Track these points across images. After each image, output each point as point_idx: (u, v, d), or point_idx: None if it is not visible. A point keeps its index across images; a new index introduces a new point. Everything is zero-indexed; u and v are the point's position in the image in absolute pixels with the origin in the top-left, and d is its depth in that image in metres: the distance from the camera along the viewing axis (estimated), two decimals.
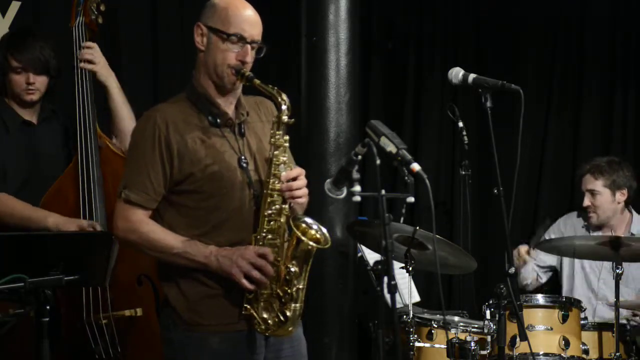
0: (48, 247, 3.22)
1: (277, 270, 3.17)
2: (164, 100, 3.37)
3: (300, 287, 3.19)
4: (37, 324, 2.99)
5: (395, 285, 2.92)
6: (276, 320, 3.19)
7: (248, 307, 3.17)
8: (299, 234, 3.15)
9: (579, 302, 4.42)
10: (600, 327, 4.46)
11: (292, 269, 3.16)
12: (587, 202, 5.01)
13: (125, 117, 4.17)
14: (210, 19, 3.24)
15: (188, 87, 3.31)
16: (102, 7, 4.20)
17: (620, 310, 4.26)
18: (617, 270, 4.20)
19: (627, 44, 6.02)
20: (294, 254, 3.18)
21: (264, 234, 3.18)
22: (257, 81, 3.21)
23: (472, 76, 3.65)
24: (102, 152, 4.08)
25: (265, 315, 3.18)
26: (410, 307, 4.35)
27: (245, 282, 3.13)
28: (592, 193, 5.00)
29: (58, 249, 3.24)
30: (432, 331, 4.46)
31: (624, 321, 4.49)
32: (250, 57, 3.21)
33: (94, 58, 4.13)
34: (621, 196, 5.00)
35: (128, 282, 4.00)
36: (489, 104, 3.58)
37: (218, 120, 3.23)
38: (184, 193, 3.19)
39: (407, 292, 4.53)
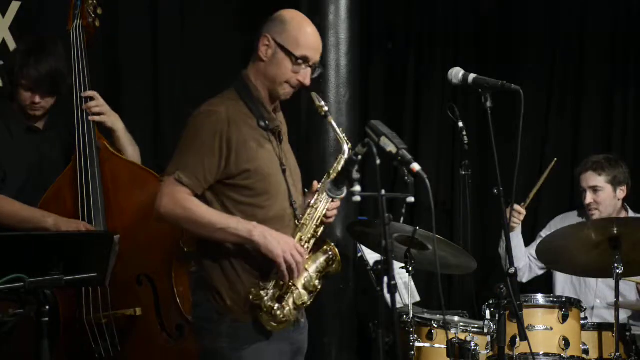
0: (48, 247, 3.22)
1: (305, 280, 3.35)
2: (214, 96, 3.48)
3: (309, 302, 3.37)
4: (37, 324, 2.99)
5: (395, 285, 2.93)
6: (282, 319, 3.29)
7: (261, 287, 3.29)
8: (339, 257, 3.39)
9: (579, 302, 4.41)
10: (600, 327, 4.46)
11: (319, 285, 3.37)
12: (589, 199, 4.99)
13: (131, 152, 4.21)
14: (280, 35, 3.39)
15: (240, 88, 3.43)
16: (99, 11, 4.20)
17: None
18: (618, 271, 4.19)
19: (627, 44, 6.02)
20: (323, 272, 3.39)
21: (307, 238, 3.36)
22: (330, 119, 3.41)
23: (472, 76, 3.65)
24: (100, 152, 4.08)
25: (270, 304, 3.27)
26: (410, 307, 4.35)
27: (284, 267, 3.24)
28: (595, 190, 4.98)
29: (58, 249, 3.24)
30: (432, 331, 4.46)
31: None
32: (309, 80, 3.39)
33: (101, 109, 4.13)
34: (621, 192, 5.01)
35: (128, 281, 4.00)
36: (489, 104, 3.58)
37: (268, 125, 3.39)
38: (234, 187, 3.31)
39: (407, 292, 4.53)
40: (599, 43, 6.06)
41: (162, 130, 5.56)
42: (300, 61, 3.36)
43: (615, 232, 4.25)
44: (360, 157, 3.08)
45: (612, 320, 4.28)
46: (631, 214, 5.09)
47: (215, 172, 3.28)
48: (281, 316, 3.29)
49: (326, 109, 3.41)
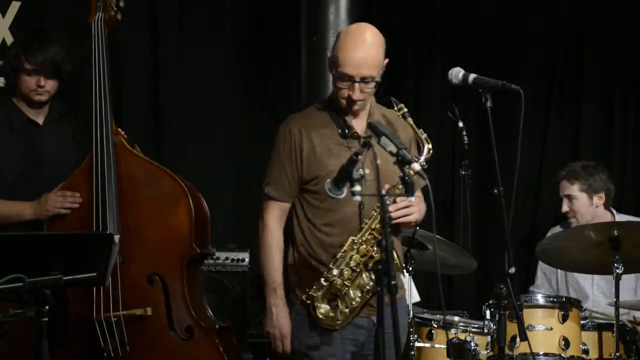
0: (48, 247, 3.22)
1: (355, 275, 3.49)
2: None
3: (369, 293, 3.49)
4: (36, 324, 2.99)
5: (396, 285, 2.93)
6: (331, 315, 3.50)
7: (316, 288, 3.50)
8: (396, 260, 3.43)
9: (579, 302, 4.41)
10: (600, 327, 4.46)
11: (371, 282, 3.46)
12: (565, 207, 5.07)
13: None
14: (333, 52, 3.57)
15: (329, 96, 3.68)
16: (121, 3, 4.18)
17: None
18: (618, 270, 4.19)
19: (627, 44, 6.02)
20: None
21: (362, 240, 3.50)
22: (410, 120, 3.56)
23: (472, 76, 3.64)
24: (116, 148, 4.08)
25: (325, 303, 3.50)
26: (410, 307, 4.35)
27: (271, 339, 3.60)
28: (570, 198, 5.05)
29: (58, 249, 3.24)
30: (432, 331, 4.45)
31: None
32: (357, 94, 3.50)
33: None
34: (599, 200, 5.03)
35: (139, 281, 4.00)
36: (489, 104, 3.57)
37: (346, 132, 3.58)
38: (309, 192, 3.59)
39: (407, 292, 4.52)
40: (599, 43, 6.06)
41: (162, 130, 5.57)
42: (340, 77, 3.50)
43: (616, 233, 4.26)
44: (360, 157, 3.09)
45: None
46: (618, 216, 5.09)
47: (298, 180, 3.60)
48: (332, 316, 3.50)
49: (405, 110, 3.55)
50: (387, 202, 3.43)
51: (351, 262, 3.48)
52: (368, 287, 3.48)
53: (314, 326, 3.55)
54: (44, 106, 4.21)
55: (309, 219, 3.60)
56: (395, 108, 3.57)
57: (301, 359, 3.60)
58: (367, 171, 3.46)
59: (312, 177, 3.56)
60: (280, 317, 3.59)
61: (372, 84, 3.52)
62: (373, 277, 3.37)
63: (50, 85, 4.15)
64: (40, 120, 4.22)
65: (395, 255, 3.39)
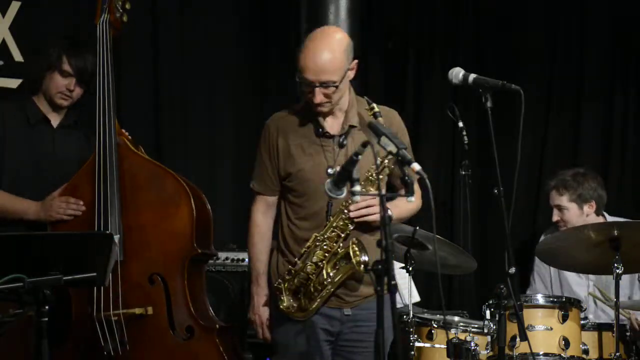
0: (48, 247, 3.22)
1: (319, 270, 3.58)
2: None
3: (329, 289, 3.59)
4: (36, 324, 2.99)
5: (395, 285, 2.93)
6: (294, 306, 3.62)
7: (281, 281, 3.63)
8: (353, 250, 3.51)
9: (579, 302, 4.41)
10: (600, 327, 4.46)
11: (331, 273, 3.56)
12: (555, 217, 5.04)
13: None
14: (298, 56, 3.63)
15: None
16: (127, 5, 4.19)
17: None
18: (618, 270, 4.19)
19: (627, 44, 6.02)
20: (339, 264, 3.55)
21: (324, 237, 3.59)
22: (380, 120, 3.53)
23: (472, 76, 3.64)
24: (119, 149, 4.08)
25: (289, 296, 3.62)
26: (410, 307, 4.35)
27: (250, 317, 3.77)
28: (560, 208, 5.02)
29: (58, 249, 3.24)
30: (432, 331, 4.45)
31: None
32: (318, 98, 3.57)
33: None
34: (589, 208, 5.00)
35: (140, 280, 4.02)
36: (489, 104, 3.57)
37: (320, 131, 3.67)
38: (285, 187, 3.73)
39: (407, 292, 4.53)
40: (599, 43, 6.06)
41: (162, 129, 5.57)
42: (301, 81, 3.57)
43: (616, 233, 4.26)
44: (360, 157, 3.09)
45: None
46: (610, 219, 5.07)
47: (278, 175, 3.72)
48: (294, 306, 3.61)
49: (376, 110, 3.56)
50: (350, 201, 3.52)
51: (314, 257, 3.57)
52: (326, 283, 3.56)
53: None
54: (62, 111, 4.23)
55: (287, 214, 3.72)
56: (367, 107, 3.59)
57: (279, 346, 3.72)
58: (333, 170, 3.53)
59: (287, 173, 3.68)
60: (260, 305, 3.74)
61: (333, 88, 3.55)
62: (332, 274, 3.55)
63: (77, 92, 4.18)
64: (55, 122, 4.25)
65: (354, 250, 3.50)
